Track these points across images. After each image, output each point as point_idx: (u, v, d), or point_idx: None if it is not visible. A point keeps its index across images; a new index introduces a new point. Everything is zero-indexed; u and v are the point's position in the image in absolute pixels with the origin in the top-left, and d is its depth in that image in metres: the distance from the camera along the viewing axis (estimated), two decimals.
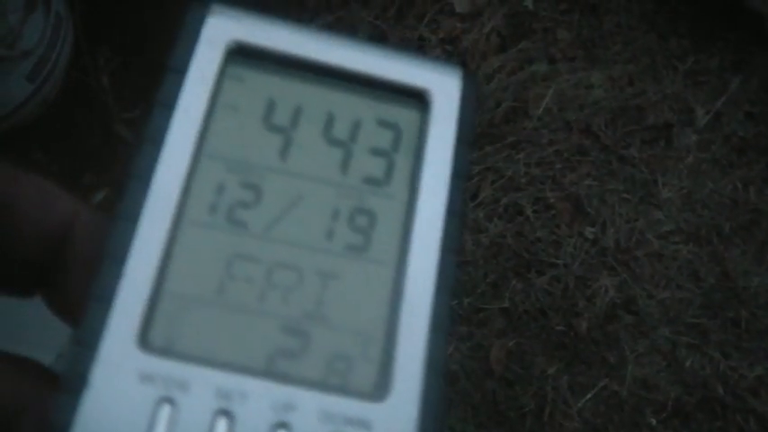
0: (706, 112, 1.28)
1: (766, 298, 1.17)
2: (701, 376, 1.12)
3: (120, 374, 0.18)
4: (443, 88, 0.23)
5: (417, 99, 0.23)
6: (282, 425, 0.18)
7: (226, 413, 0.18)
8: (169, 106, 0.21)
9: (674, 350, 1.13)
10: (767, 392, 1.12)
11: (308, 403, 0.18)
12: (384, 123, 0.23)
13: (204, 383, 0.18)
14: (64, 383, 0.17)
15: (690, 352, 1.13)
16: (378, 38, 1.24)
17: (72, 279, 0.21)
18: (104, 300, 0.18)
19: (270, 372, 0.19)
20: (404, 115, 0.23)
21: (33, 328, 0.61)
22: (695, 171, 1.25)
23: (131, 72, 1.06)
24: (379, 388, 0.19)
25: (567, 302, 1.14)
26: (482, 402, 1.08)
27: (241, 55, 0.22)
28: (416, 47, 1.26)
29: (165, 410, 0.17)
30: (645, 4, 1.36)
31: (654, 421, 1.09)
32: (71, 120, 1.05)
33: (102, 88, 1.04)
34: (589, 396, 1.09)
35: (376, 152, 0.22)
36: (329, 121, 0.22)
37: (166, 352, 0.18)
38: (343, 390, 0.19)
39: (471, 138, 0.22)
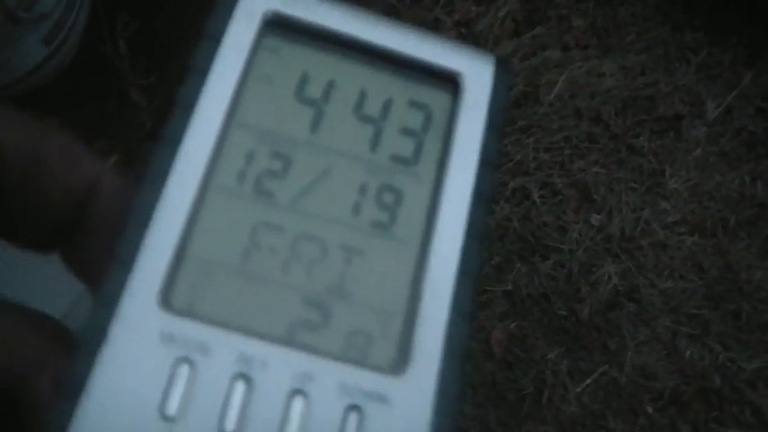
0: (717, 106, 1.28)
1: None
2: (699, 367, 1.12)
3: (139, 332, 0.18)
4: (476, 73, 0.23)
5: (450, 82, 0.23)
6: (300, 392, 0.18)
7: (244, 377, 0.18)
8: (203, 72, 0.21)
9: (674, 340, 1.14)
10: (764, 385, 1.12)
11: (327, 374, 0.18)
12: (415, 104, 0.23)
13: (224, 347, 0.18)
14: (83, 339, 0.17)
15: (690, 342, 1.14)
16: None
17: (93, 239, 0.21)
18: (127, 258, 0.18)
19: (290, 341, 0.19)
20: (435, 97, 0.23)
21: (40, 286, 0.62)
22: (703, 163, 1.25)
23: (147, 38, 1.06)
24: (398, 364, 0.19)
25: (571, 288, 1.14)
26: (481, 383, 1.08)
27: (277, 26, 0.22)
28: (431, 29, 1.26)
29: (184, 371, 0.17)
30: None
31: (651, 409, 1.09)
32: (86, 85, 1.05)
33: (119, 54, 1.04)
34: (588, 381, 1.09)
35: (406, 132, 0.22)
36: (361, 98, 0.22)
37: (188, 314, 0.18)
38: (362, 364, 0.19)
39: (501, 124, 0.22)
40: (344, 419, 0.18)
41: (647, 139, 1.25)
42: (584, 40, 1.31)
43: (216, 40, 0.21)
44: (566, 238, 1.17)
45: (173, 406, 0.17)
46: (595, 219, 1.19)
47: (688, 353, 1.13)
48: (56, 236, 0.21)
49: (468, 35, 1.26)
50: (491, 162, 0.22)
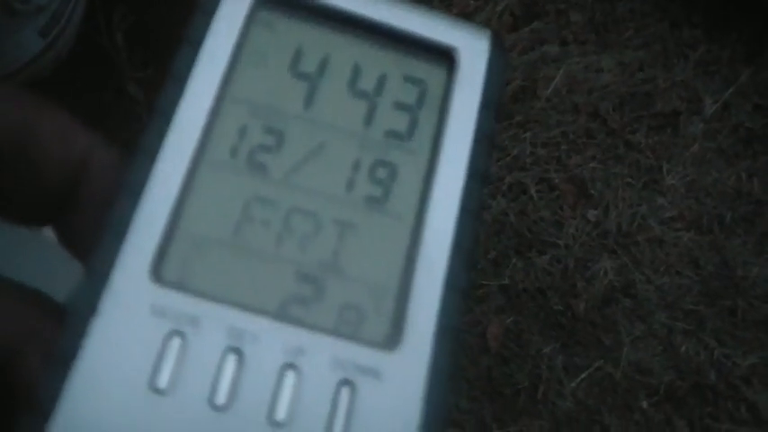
0: (714, 102, 1.29)
1: (764, 288, 1.18)
2: (695, 362, 1.13)
3: (130, 305, 0.17)
4: (472, 49, 0.23)
5: (445, 57, 0.22)
6: (292, 366, 0.18)
7: (236, 351, 0.18)
8: (196, 45, 0.20)
9: (670, 335, 1.14)
10: (759, 381, 1.12)
11: (319, 349, 0.18)
12: (410, 79, 0.22)
13: (216, 321, 0.18)
14: (73, 310, 0.17)
15: (685, 338, 1.14)
16: None
17: (86, 214, 0.20)
18: (118, 231, 0.18)
19: (283, 316, 0.18)
20: (430, 72, 0.22)
21: (42, 269, 0.61)
22: (700, 159, 1.25)
23: (144, 31, 1.06)
24: (391, 339, 0.19)
25: (567, 283, 1.14)
26: (477, 378, 1.08)
27: (270, 1, 0.22)
28: None
29: (175, 344, 0.17)
30: None
31: (646, 404, 1.09)
32: (82, 77, 1.05)
33: (116, 47, 1.04)
34: (583, 377, 1.10)
35: (400, 107, 0.22)
36: (355, 73, 0.22)
37: (179, 287, 0.18)
38: (355, 338, 0.19)
39: (497, 102, 0.22)
40: (336, 394, 0.18)
41: (644, 134, 1.25)
42: (583, 35, 1.31)
43: (209, 13, 0.21)
44: (562, 233, 1.17)
45: (163, 379, 0.17)
46: (592, 214, 1.19)
47: (683, 349, 1.13)
48: (50, 211, 0.21)
49: None
50: (486, 137, 0.22)
